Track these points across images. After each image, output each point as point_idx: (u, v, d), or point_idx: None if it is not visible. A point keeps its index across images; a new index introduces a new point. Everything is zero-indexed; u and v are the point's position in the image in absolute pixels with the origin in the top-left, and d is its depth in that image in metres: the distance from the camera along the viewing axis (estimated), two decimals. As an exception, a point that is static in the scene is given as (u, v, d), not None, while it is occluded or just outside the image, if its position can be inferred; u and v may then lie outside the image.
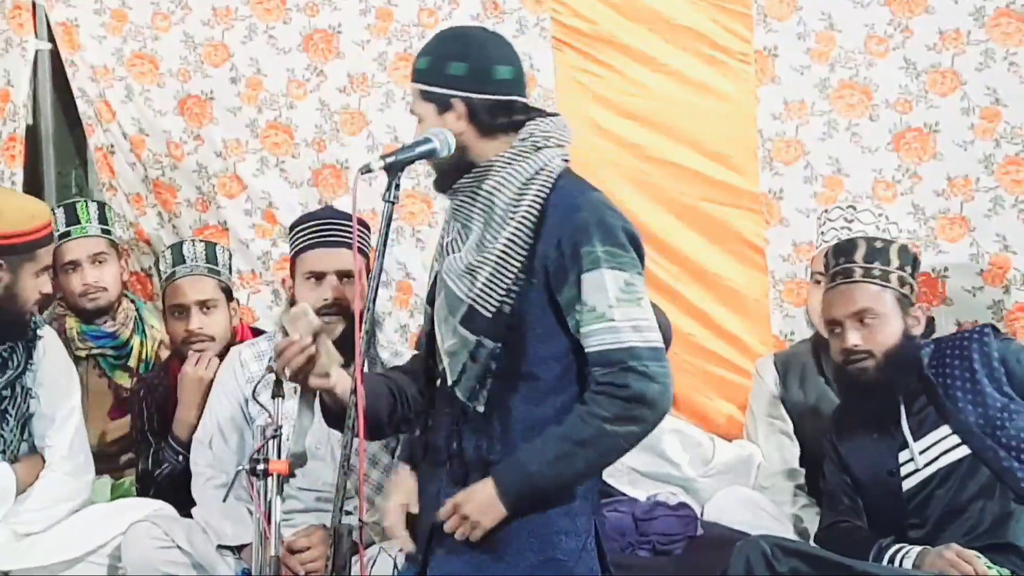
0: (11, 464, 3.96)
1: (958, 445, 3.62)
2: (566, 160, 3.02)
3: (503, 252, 2.91)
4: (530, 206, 2.93)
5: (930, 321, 3.78)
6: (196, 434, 4.05)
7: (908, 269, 3.68)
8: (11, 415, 3.96)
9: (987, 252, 4.39)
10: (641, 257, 2.96)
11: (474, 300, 2.92)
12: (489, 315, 2.92)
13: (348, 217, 3.98)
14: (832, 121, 4.50)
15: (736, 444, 4.30)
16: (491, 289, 2.92)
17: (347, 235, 3.85)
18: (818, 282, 4.11)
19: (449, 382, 2.98)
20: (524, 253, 2.92)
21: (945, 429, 3.64)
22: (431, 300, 3.08)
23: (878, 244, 3.72)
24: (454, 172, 2.99)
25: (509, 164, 2.95)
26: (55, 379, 4.05)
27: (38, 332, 4.03)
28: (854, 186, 4.48)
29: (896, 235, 4.13)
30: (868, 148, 4.48)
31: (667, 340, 3.73)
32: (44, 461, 4.02)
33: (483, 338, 2.92)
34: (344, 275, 3.84)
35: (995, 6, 4.36)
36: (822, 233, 4.19)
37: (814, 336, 4.23)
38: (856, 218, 4.14)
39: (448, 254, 3.00)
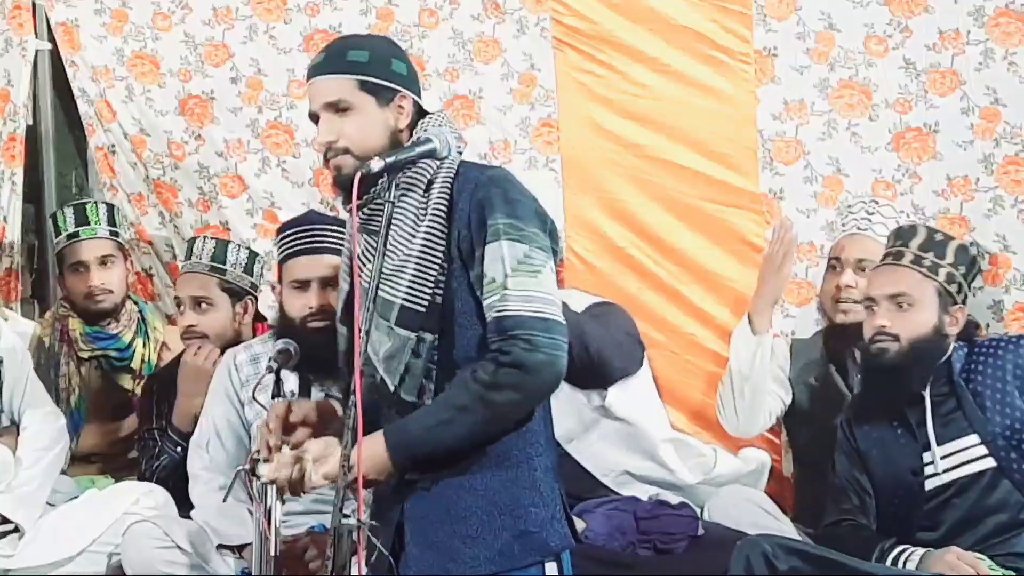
0: None
1: (983, 456, 3.59)
2: (459, 151, 3.04)
3: (424, 245, 2.93)
4: (439, 197, 2.95)
5: (972, 326, 3.75)
6: (193, 438, 4.05)
7: (962, 269, 3.67)
8: None
9: (987, 252, 4.38)
10: (550, 234, 2.97)
11: (405, 299, 2.94)
12: (423, 309, 2.94)
13: (331, 221, 3.98)
14: (832, 121, 4.50)
15: (740, 457, 4.28)
16: (419, 284, 2.94)
17: (329, 240, 3.88)
18: (833, 267, 4.18)
19: (391, 387, 2.98)
20: (443, 243, 2.94)
21: (971, 439, 3.60)
22: (345, 320, 3.08)
23: (939, 236, 3.72)
24: (369, 181, 2.96)
25: (413, 163, 2.97)
26: (9, 343, 4.12)
27: None
28: (854, 186, 4.48)
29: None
30: (868, 148, 4.48)
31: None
32: (17, 428, 4.11)
33: (422, 332, 2.95)
34: (328, 282, 3.85)
35: (995, 6, 4.36)
36: (842, 225, 4.23)
37: (826, 328, 4.27)
38: (878, 211, 4.18)
39: (363, 265, 3.00)
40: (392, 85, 3.01)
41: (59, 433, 4.17)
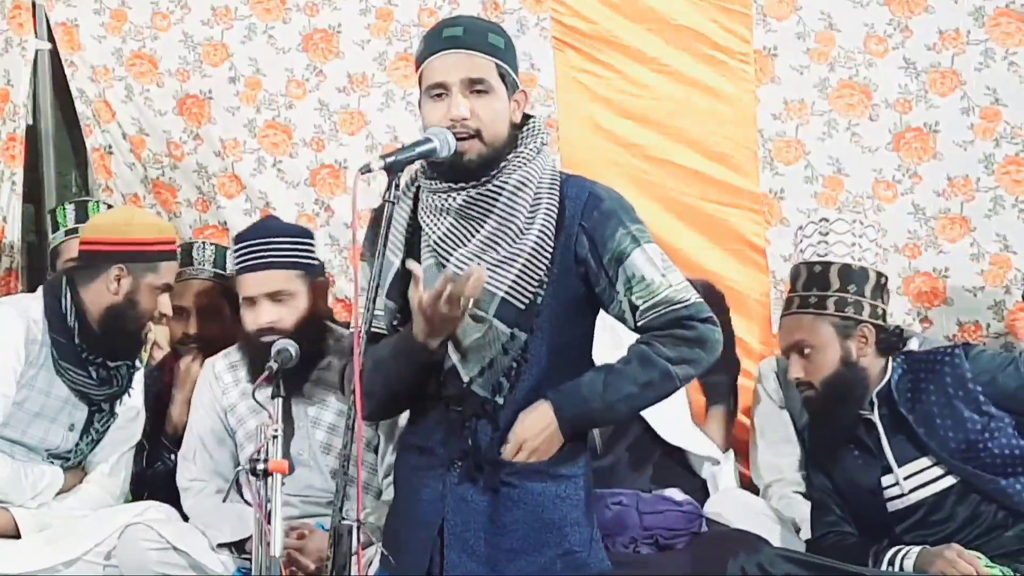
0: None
1: (943, 476, 3.56)
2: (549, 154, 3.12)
3: (536, 245, 2.97)
4: (550, 201, 3.00)
5: (894, 336, 3.65)
6: (180, 451, 4.04)
7: (852, 288, 3.62)
8: (95, 430, 3.98)
9: (987, 252, 4.39)
10: None
11: (508, 292, 2.96)
12: (523, 307, 2.97)
13: (281, 233, 3.84)
14: (832, 121, 4.50)
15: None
16: (525, 281, 2.97)
17: (276, 255, 3.78)
18: None
19: (465, 378, 2.99)
20: (551, 246, 2.97)
21: (925, 461, 3.57)
22: (392, 295, 3.05)
23: (816, 269, 3.67)
24: (483, 167, 2.97)
25: (529, 162, 3.00)
26: (132, 413, 4.07)
27: (137, 364, 4.06)
28: (854, 186, 4.48)
29: (874, 237, 4.08)
30: (868, 148, 4.48)
31: None
32: (84, 474, 4.06)
33: (516, 330, 2.97)
34: (274, 296, 3.81)
35: (995, 6, 4.36)
36: (801, 251, 4.17)
37: None
38: (831, 230, 4.08)
39: (445, 249, 2.99)
40: (516, 78, 3.03)
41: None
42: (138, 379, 4.09)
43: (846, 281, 3.63)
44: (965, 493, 3.56)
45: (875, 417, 3.62)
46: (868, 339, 3.62)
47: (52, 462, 3.95)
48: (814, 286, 3.64)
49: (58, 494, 3.96)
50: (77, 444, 3.96)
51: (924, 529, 3.58)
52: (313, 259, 3.86)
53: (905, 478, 3.59)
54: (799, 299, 3.66)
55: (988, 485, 3.54)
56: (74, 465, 4.01)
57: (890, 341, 3.65)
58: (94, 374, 3.92)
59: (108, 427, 4.01)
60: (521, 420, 2.99)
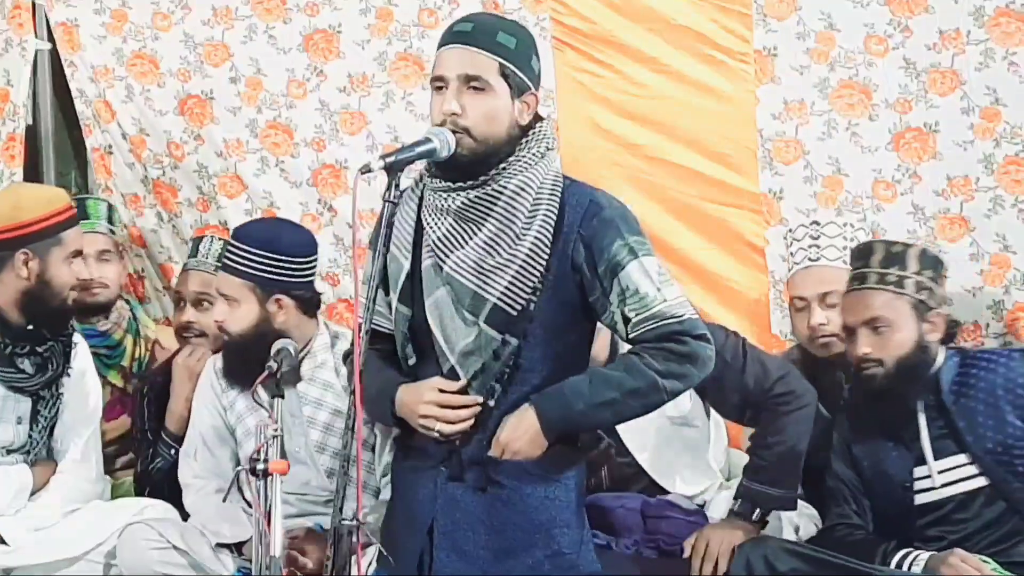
0: (30, 466, 3.96)
1: (976, 475, 3.56)
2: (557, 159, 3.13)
3: (531, 252, 2.96)
4: (549, 207, 2.99)
5: (952, 326, 3.69)
6: (182, 448, 4.06)
7: (928, 273, 3.62)
8: (43, 417, 3.96)
9: (987, 252, 4.39)
10: None
11: (500, 298, 2.96)
12: (515, 313, 2.97)
13: (248, 241, 3.89)
14: (832, 121, 4.50)
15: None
16: (518, 287, 2.97)
17: (232, 260, 3.86)
18: (799, 308, 4.11)
19: (463, 380, 3.01)
20: (547, 253, 2.97)
21: (962, 458, 3.57)
22: (405, 300, 3.08)
23: (896, 248, 3.66)
24: (476, 165, 2.98)
25: (532, 166, 3.00)
26: (83, 388, 4.06)
27: (73, 339, 4.04)
28: (854, 186, 4.48)
29: (865, 239, 4.10)
30: (868, 148, 4.48)
31: None
32: (56, 465, 4.03)
33: (507, 336, 2.97)
34: (226, 298, 3.86)
35: (995, 6, 4.36)
36: (791, 255, 4.17)
37: (803, 357, 4.16)
38: (822, 233, 4.11)
39: (443, 251, 2.99)
40: (527, 80, 3.01)
41: (94, 493, 4.07)
42: (82, 352, 4.07)
43: (924, 265, 3.63)
44: (994, 497, 3.56)
45: (919, 406, 3.61)
46: (937, 326, 3.62)
47: (16, 460, 3.94)
48: (894, 265, 3.61)
49: (34, 492, 3.94)
50: (30, 435, 3.94)
51: (947, 525, 3.59)
52: (269, 274, 3.85)
53: (939, 472, 3.59)
54: (877, 275, 3.61)
55: (1017, 493, 3.54)
56: (38, 457, 3.99)
57: (951, 332, 3.66)
58: (26, 365, 3.91)
59: (57, 409, 3.99)
60: (505, 424, 3.00)
